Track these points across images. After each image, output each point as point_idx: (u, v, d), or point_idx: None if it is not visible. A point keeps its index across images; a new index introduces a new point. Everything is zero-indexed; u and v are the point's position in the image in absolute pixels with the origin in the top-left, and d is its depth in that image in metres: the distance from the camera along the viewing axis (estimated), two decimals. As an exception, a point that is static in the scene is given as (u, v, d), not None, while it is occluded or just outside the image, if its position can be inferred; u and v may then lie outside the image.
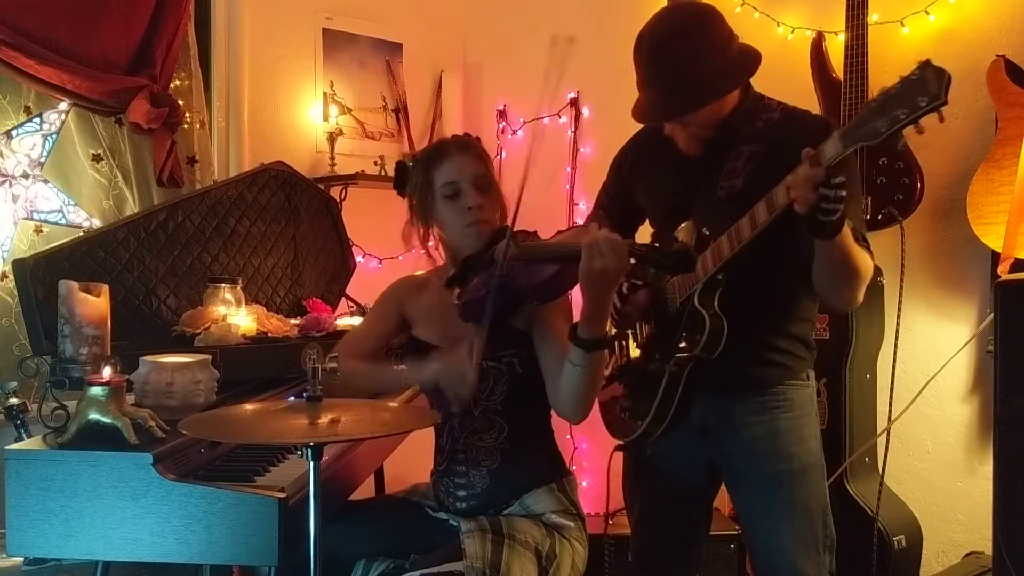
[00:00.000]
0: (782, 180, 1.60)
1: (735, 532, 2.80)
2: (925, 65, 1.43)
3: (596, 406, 1.98)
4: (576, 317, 1.70)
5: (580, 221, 3.53)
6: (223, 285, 2.36)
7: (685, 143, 1.83)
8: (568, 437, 3.37)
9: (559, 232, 1.86)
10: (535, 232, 1.84)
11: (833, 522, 1.90)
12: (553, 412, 1.93)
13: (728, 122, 1.80)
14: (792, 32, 3.07)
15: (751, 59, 1.76)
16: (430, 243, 1.95)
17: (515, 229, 1.75)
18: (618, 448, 2.15)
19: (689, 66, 1.71)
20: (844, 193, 1.51)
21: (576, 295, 1.70)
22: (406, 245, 1.97)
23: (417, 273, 2.06)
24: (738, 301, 1.76)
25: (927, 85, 1.41)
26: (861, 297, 1.75)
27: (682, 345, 1.78)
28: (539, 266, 1.70)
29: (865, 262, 1.71)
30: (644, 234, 2.10)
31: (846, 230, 1.62)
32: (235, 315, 2.32)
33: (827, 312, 2.67)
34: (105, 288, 1.91)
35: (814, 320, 1.96)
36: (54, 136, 2.77)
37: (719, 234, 1.72)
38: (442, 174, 1.85)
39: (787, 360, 1.89)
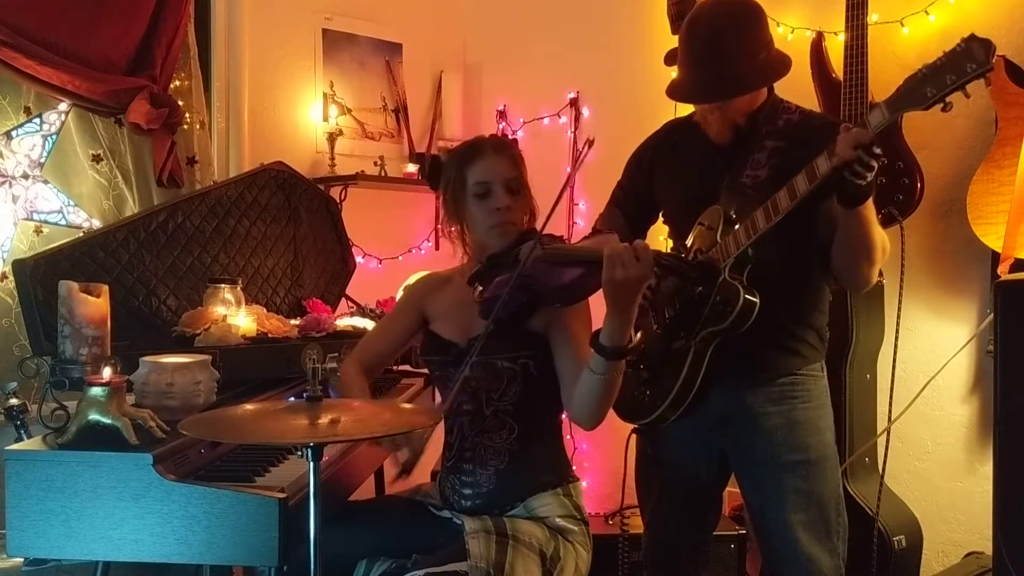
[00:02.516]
0: (803, 171, 1.71)
1: (735, 532, 2.80)
2: (970, 38, 1.53)
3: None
4: (596, 323, 1.69)
5: (580, 221, 3.54)
6: (223, 285, 2.36)
7: (717, 128, 1.93)
8: (568, 437, 3.37)
9: (585, 238, 1.88)
10: (561, 236, 1.85)
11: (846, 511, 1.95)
12: (564, 416, 1.93)
13: (755, 115, 1.91)
14: (792, 32, 3.07)
15: (786, 60, 1.92)
16: (464, 235, 1.94)
17: (543, 232, 1.74)
18: (634, 431, 2.15)
19: (741, 55, 1.84)
20: (876, 164, 1.60)
21: (598, 303, 1.69)
22: (449, 240, 1.99)
23: (441, 271, 2.06)
24: (759, 286, 1.79)
25: (974, 54, 1.51)
26: (875, 276, 1.84)
27: (710, 317, 1.81)
28: (562, 269, 1.71)
29: (883, 240, 1.80)
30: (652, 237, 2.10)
31: (871, 205, 1.70)
32: (235, 315, 2.32)
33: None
34: (105, 289, 1.91)
35: (827, 313, 2.00)
36: (54, 136, 2.77)
37: (746, 216, 1.78)
38: (475, 172, 1.86)
39: (803, 348, 1.93)
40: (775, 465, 1.91)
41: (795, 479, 1.90)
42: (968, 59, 1.51)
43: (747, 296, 1.77)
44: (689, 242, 1.94)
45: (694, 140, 1.99)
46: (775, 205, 1.74)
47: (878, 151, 1.59)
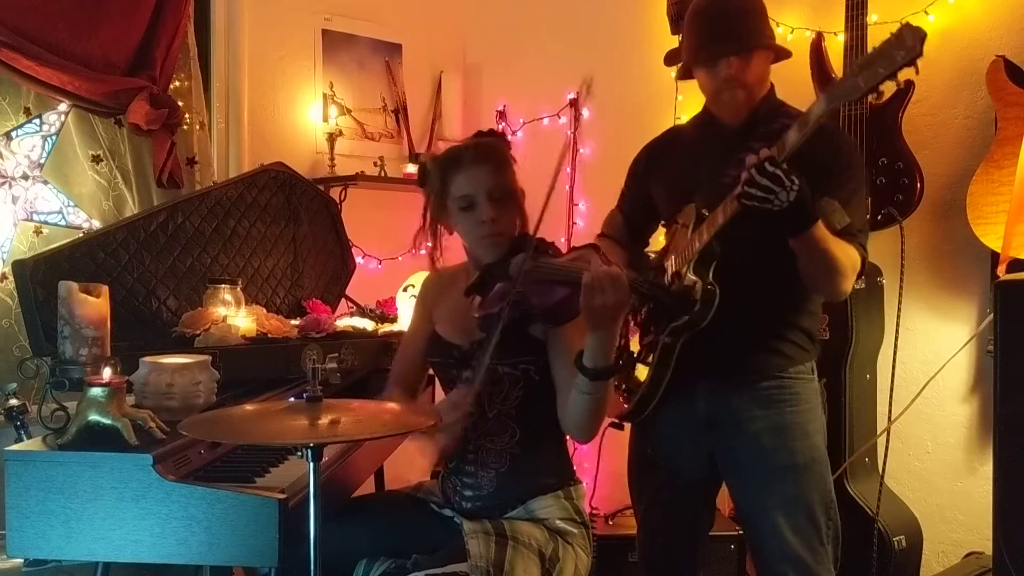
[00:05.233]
0: None
1: (735, 532, 2.80)
2: (904, 26, 1.55)
3: None
4: None
5: (580, 222, 3.54)
6: (223, 286, 2.36)
7: (737, 107, 1.90)
8: (567, 437, 3.37)
9: (572, 249, 1.88)
10: (552, 243, 1.83)
11: (838, 514, 1.94)
12: None
13: (756, 110, 1.90)
14: (792, 32, 3.07)
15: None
16: (436, 250, 1.95)
17: (536, 238, 1.74)
18: (611, 424, 2.14)
19: (755, 21, 1.89)
20: (777, 186, 1.59)
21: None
22: (415, 247, 1.99)
23: (446, 267, 2.05)
24: (743, 288, 1.78)
25: (904, 41, 1.54)
26: (847, 288, 1.82)
27: (672, 313, 1.80)
28: (551, 287, 1.70)
29: (845, 256, 1.77)
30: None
31: (818, 230, 1.69)
32: (235, 316, 2.32)
33: (827, 311, 2.68)
34: (105, 289, 1.91)
35: (819, 314, 1.99)
36: (54, 137, 2.77)
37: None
38: (457, 186, 1.84)
39: (789, 349, 1.92)
40: (763, 469, 1.90)
41: (783, 484, 1.89)
42: (898, 48, 1.53)
43: (706, 290, 1.75)
44: (666, 241, 1.94)
45: (694, 137, 2.00)
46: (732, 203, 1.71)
47: (770, 171, 1.59)
